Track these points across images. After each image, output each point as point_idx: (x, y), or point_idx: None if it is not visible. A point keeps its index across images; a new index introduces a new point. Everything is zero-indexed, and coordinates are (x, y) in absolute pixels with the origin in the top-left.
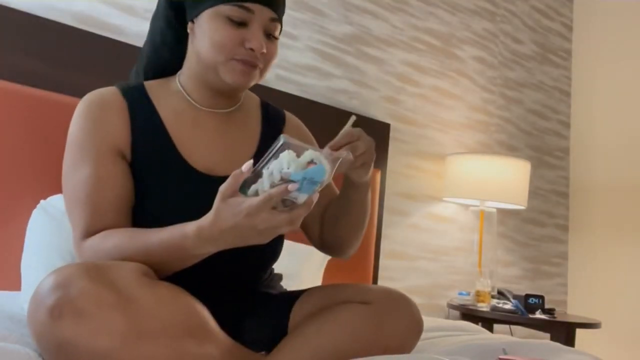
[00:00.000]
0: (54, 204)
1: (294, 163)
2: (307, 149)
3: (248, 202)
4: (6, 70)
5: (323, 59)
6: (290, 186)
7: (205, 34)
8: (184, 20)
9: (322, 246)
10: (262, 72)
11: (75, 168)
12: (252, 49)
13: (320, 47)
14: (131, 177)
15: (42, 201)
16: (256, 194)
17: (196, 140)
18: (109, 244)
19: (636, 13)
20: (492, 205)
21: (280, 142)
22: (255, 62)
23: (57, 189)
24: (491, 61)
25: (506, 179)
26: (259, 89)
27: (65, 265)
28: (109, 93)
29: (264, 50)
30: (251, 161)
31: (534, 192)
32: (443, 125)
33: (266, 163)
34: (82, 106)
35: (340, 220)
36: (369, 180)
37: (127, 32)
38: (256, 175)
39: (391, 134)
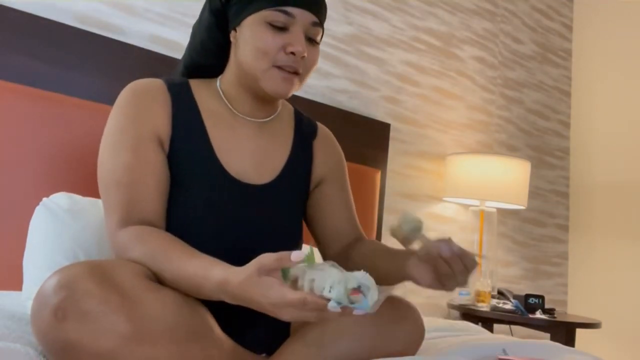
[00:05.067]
0: (57, 201)
1: (337, 288)
2: (359, 272)
3: (283, 292)
4: (6, 69)
5: (323, 59)
6: (331, 308)
7: (247, 41)
8: (226, 28)
9: (324, 254)
10: (302, 79)
11: (115, 152)
12: (293, 53)
13: (321, 46)
14: (168, 168)
15: (44, 199)
16: (295, 281)
17: (231, 145)
18: (137, 252)
19: (636, 13)
20: (492, 205)
21: (329, 264)
22: (296, 68)
23: (59, 188)
24: (491, 61)
25: (506, 179)
26: None
27: (70, 265)
28: (154, 84)
29: (305, 55)
30: (302, 253)
31: (534, 192)
32: (443, 125)
33: (313, 267)
34: (127, 93)
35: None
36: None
37: (128, 32)
38: (302, 268)
39: (391, 134)
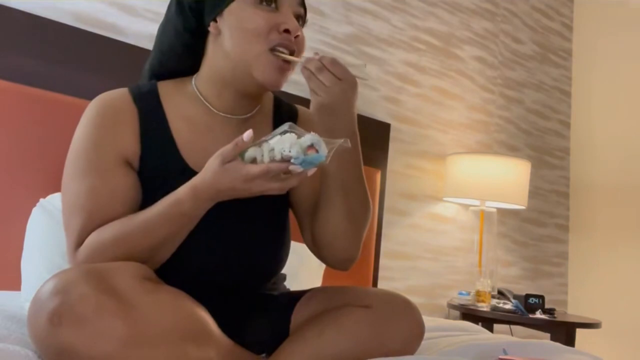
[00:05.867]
0: (54, 202)
1: (296, 146)
2: (309, 134)
3: (247, 169)
4: (6, 69)
5: None
6: (292, 167)
7: (234, 27)
8: (196, 27)
9: (314, 242)
10: (294, 69)
11: (81, 176)
12: (287, 31)
13: (321, 47)
14: (140, 189)
15: (41, 199)
16: (253, 161)
17: (208, 149)
18: (107, 236)
19: (636, 13)
20: (492, 205)
21: (285, 127)
22: (293, 47)
23: (57, 188)
24: (491, 61)
25: (506, 179)
26: None
27: (66, 269)
28: (120, 99)
29: (300, 33)
30: (251, 131)
31: (534, 192)
32: (443, 125)
33: (269, 139)
34: (92, 112)
35: (325, 205)
36: (355, 128)
37: (127, 31)
38: (256, 146)
39: (391, 134)
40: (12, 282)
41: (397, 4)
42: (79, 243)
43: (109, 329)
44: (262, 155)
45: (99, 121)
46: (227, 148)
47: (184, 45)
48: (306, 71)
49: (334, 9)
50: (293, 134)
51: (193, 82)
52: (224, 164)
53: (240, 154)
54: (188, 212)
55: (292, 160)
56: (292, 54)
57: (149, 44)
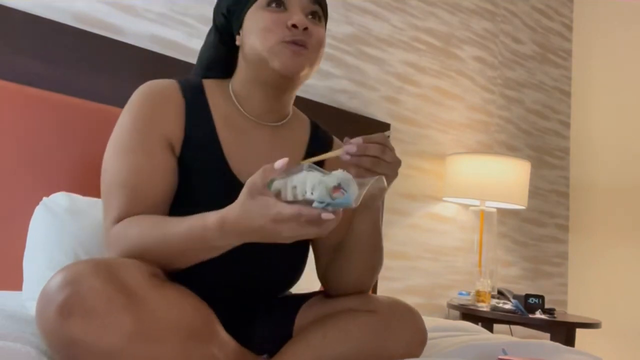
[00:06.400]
0: (57, 201)
1: (320, 186)
2: (337, 172)
3: (278, 207)
4: (6, 69)
5: (323, 59)
6: (324, 215)
7: (251, 31)
8: (231, 42)
9: (326, 279)
10: (312, 59)
11: (124, 154)
12: (294, 25)
13: None
14: (177, 175)
15: (44, 198)
16: (278, 194)
17: (243, 150)
18: (133, 232)
19: (636, 13)
20: (492, 205)
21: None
22: (302, 40)
23: (58, 188)
24: (491, 61)
25: (506, 179)
26: None
27: (75, 262)
28: (168, 87)
29: (307, 26)
30: (286, 160)
31: (534, 192)
32: (443, 125)
33: (296, 173)
34: (140, 95)
35: (345, 260)
36: (378, 205)
37: (127, 31)
38: (284, 177)
39: (391, 134)
40: (14, 282)
41: (397, 4)
42: (118, 219)
43: (117, 322)
44: (286, 194)
45: (147, 103)
46: (255, 176)
47: (221, 56)
48: (368, 159)
49: (334, 9)
50: (318, 173)
51: (230, 85)
52: (253, 194)
53: (268, 184)
54: (211, 241)
55: (314, 205)
56: (301, 45)
57: (149, 44)
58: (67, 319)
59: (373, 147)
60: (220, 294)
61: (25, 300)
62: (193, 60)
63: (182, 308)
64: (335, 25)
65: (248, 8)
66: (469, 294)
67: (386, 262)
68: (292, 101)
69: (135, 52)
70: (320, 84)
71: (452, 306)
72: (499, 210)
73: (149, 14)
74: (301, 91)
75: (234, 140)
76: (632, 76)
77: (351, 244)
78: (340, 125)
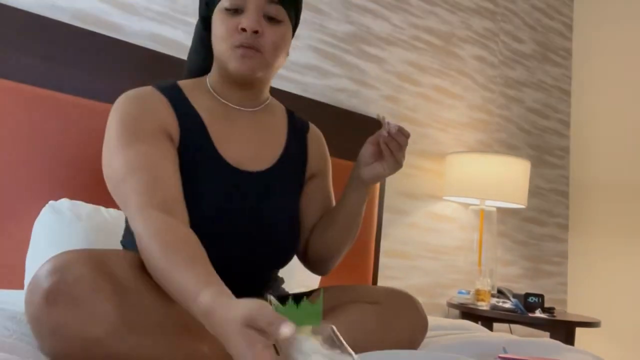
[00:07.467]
0: (63, 204)
1: None
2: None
3: (261, 357)
4: (6, 68)
5: (323, 58)
6: None
7: (214, 34)
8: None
9: (305, 258)
10: (268, 58)
11: (125, 146)
12: (243, 29)
13: (321, 45)
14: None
15: (51, 201)
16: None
17: (228, 135)
18: (154, 247)
19: (636, 12)
20: (492, 204)
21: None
22: (251, 44)
23: (59, 188)
24: (491, 60)
25: (506, 178)
26: None
27: (67, 251)
28: (147, 90)
29: (257, 29)
30: (292, 329)
31: (534, 191)
32: (443, 124)
33: (305, 345)
34: (124, 99)
35: (331, 227)
36: (368, 190)
37: (128, 30)
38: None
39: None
40: (14, 281)
41: (397, 3)
42: (143, 203)
43: (102, 312)
44: (287, 353)
45: (138, 101)
46: (262, 320)
47: (205, 44)
48: (397, 144)
49: (334, 7)
50: (315, 345)
51: (207, 80)
52: (249, 327)
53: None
54: (192, 312)
55: None
56: (251, 48)
57: (148, 43)
58: (52, 305)
59: (403, 138)
60: (225, 272)
61: None
62: None
63: (170, 302)
64: (335, 24)
65: (214, 6)
66: (468, 293)
67: (386, 261)
68: (266, 89)
69: (135, 50)
70: (320, 82)
71: (451, 305)
72: (499, 209)
73: (149, 12)
74: (301, 90)
75: (219, 126)
76: (632, 75)
77: (341, 216)
78: (340, 124)
